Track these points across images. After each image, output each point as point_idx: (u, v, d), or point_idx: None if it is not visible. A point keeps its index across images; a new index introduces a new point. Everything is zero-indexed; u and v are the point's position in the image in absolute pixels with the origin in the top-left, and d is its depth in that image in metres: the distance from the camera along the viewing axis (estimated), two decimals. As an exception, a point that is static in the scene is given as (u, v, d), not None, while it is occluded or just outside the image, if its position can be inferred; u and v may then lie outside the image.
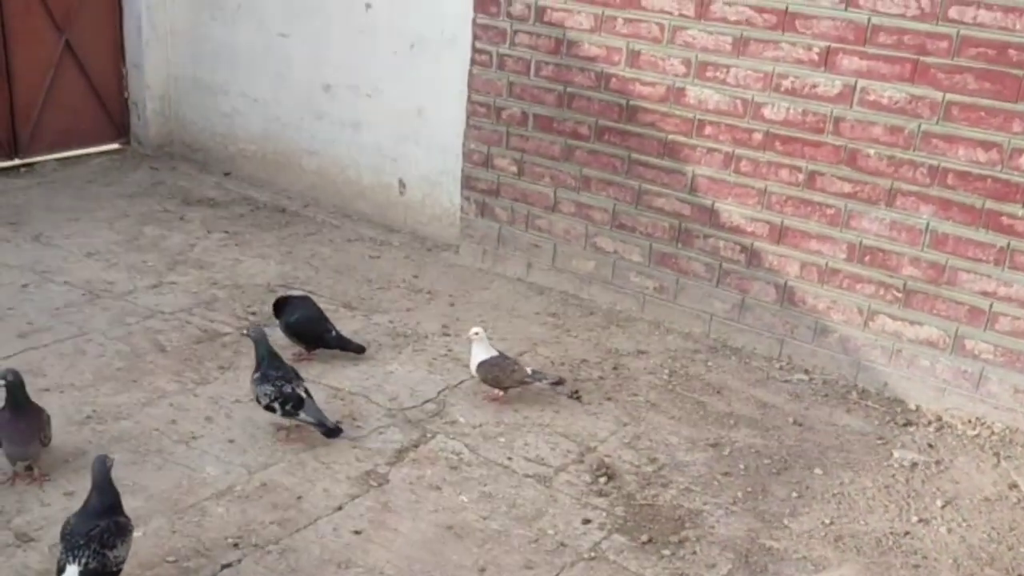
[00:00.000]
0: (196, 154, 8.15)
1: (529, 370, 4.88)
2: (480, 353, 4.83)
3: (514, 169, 6.27)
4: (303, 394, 4.40)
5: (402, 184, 7.01)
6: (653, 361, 5.47)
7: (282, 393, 4.35)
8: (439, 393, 4.97)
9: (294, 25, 7.28)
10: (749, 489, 4.39)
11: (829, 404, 5.17)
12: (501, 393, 4.87)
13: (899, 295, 5.15)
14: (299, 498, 4.07)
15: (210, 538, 3.81)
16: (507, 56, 6.11)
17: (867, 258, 5.19)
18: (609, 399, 5.05)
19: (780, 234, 5.42)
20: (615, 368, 5.37)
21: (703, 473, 4.48)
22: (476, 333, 4.83)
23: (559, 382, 4.93)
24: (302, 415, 4.38)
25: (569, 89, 5.93)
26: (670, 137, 5.63)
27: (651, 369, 5.38)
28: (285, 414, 4.38)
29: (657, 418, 4.90)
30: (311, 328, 5.12)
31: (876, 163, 5.06)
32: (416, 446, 4.51)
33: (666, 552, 3.94)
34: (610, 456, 4.55)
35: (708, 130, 5.50)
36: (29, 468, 4.04)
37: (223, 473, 4.19)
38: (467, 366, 5.09)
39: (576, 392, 5.06)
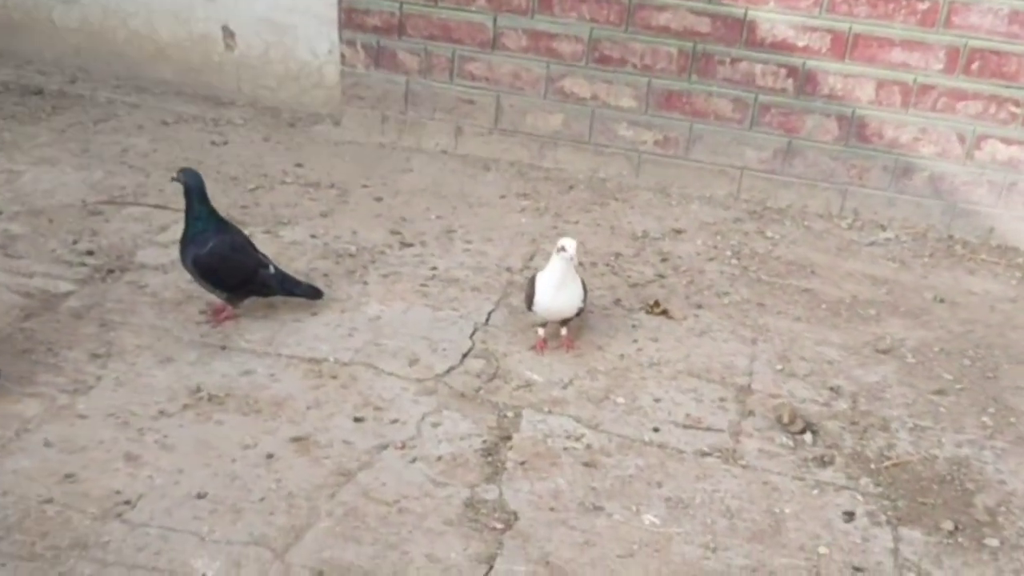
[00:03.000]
0: None
1: None
2: (561, 280, 2.98)
3: (426, -8, 4.32)
4: None
5: (228, 33, 4.81)
6: (701, 242, 3.91)
7: None
8: (471, 339, 3.15)
9: None
10: (989, 409, 3.01)
11: (943, 267, 3.89)
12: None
13: (1016, 111, 3.88)
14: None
15: None
16: None
17: (974, 66, 3.86)
18: (700, 307, 3.45)
19: (847, 46, 3.94)
20: (664, 260, 3.76)
21: (913, 398, 3.04)
22: (564, 248, 2.91)
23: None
24: None
25: None
26: (679, -79, 3.95)
27: (707, 254, 3.83)
28: None
29: (782, 323, 3.38)
30: (238, 264, 3.06)
31: (994, -69, 3.68)
32: (506, 438, 2.71)
33: (991, 542, 2.49)
34: (779, 396, 2.99)
35: (740, -95, 3.87)
36: None
37: (225, 560, 2.20)
38: (464, 281, 3.34)
39: (656, 304, 3.41)
